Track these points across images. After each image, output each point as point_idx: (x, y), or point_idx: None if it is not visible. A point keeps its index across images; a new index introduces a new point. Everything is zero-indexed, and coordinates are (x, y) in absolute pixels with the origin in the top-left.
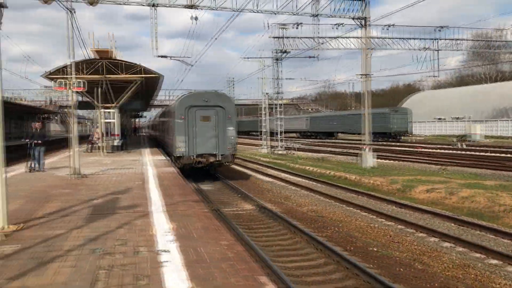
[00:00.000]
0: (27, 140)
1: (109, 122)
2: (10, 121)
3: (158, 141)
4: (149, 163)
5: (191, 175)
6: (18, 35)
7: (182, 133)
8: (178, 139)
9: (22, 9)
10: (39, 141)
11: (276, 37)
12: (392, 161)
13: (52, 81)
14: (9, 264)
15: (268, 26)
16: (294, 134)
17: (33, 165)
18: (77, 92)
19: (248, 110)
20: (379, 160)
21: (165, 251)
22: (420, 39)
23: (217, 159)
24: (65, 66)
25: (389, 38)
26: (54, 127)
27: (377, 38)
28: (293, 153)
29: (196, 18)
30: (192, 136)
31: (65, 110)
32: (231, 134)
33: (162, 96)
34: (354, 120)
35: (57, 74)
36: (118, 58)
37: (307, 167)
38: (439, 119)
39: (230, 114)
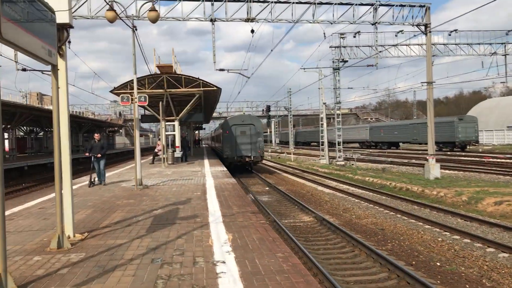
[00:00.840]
0: (86, 154)
1: (171, 134)
2: (78, 134)
3: (216, 151)
4: (209, 174)
5: (248, 185)
6: (87, 52)
7: (228, 142)
8: (225, 145)
9: (90, 27)
10: (98, 154)
11: (335, 47)
12: (457, 172)
13: (120, 96)
14: (75, 271)
15: (325, 36)
16: (354, 145)
17: (92, 179)
18: (140, 106)
19: (307, 121)
20: (444, 170)
21: (221, 262)
22: (487, 44)
23: (251, 159)
24: (130, 81)
25: (453, 44)
26: (121, 140)
27: (440, 44)
28: (353, 164)
29: (252, 31)
30: (235, 144)
31: (130, 123)
32: (259, 142)
33: (222, 108)
34: (418, 129)
35: (123, 89)
36: (178, 72)
37: (367, 178)
38: (510, 127)
39: (258, 129)
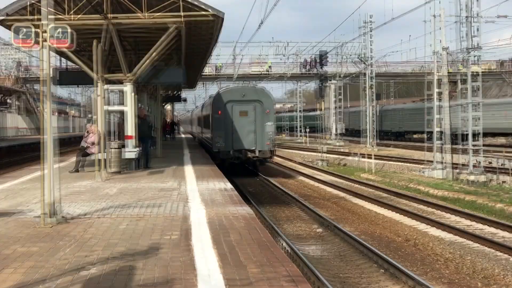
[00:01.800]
0: None
1: (117, 111)
2: None
3: (203, 143)
4: (195, 196)
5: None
6: None
7: (219, 127)
8: (216, 133)
9: None
10: None
11: None
12: None
13: (12, 29)
14: None
15: None
16: (502, 139)
17: None
18: (57, 51)
19: (403, 89)
20: None
21: None
22: None
23: (256, 155)
24: None
25: None
26: (13, 121)
27: None
28: (504, 182)
29: None
30: (230, 132)
31: (34, 87)
32: (269, 129)
33: (224, 56)
34: None
35: (20, 15)
36: None
37: None
38: None
39: (268, 109)
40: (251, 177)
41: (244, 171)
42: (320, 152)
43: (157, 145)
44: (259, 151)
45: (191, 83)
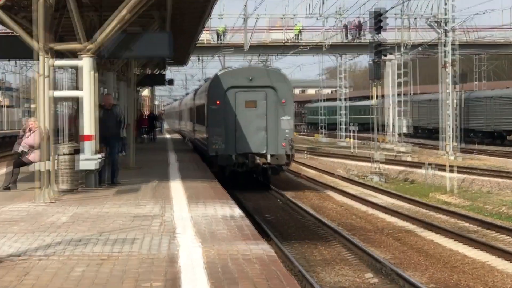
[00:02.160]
0: None
1: (68, 98)
2: None
3: (196, 145)
4: (187, 225)
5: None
6: None
7: (217, 124)
8: (212, 131)
9: None
10: None
11: None
12: None
13: None
14: None
15: None
16: None
17: None
18: None
19: (502, 67)
20: None
21: None
22: None
23: (267, 161)
24: None
25: None
26: None
27: None
28: None
29: None
30: (232, 129)
31: None
32: (286, 126)
33: (234, 17)
34: None
35: None
36: None
37: None
38: None
39: (284, 98)
40: (269, 199)
41: (254, 184)
42: (374, 161)
43: (129, 150)
44: (272, 155)
45: (180, 57)
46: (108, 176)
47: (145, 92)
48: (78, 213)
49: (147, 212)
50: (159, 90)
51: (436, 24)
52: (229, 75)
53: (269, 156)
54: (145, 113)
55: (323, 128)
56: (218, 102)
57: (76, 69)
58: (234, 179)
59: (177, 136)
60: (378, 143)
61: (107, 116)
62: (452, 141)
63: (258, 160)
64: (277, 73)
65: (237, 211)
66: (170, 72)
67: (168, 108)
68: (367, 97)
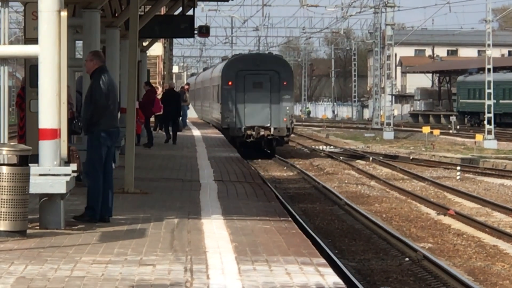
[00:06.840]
0: None
1: (19, 62)
2: None
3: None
4: None
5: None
6: None
7: (229, 101)
8: (226, 108)
9: None
10: None
11: None
12: None
13: None
14: None
15: None
16: None
17: None
18: None
19: None
20: None
21: None
22: None
23: (271, 133)
24: None
25: None
26: None
27: None
28: None
29: None
30: (242, 106)
31: None
32: (287, 104)
33: None
34: None
35: None
36: None
37: None
38: None
39: (286, 80)
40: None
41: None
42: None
43: (126, 160)
44: (275, 128)
45: None
46: (93, 205)
47: (157, 49)
48: (27, 278)
49: (158, 277)
50: (180, 47)
51: None
52: (240, 60)
53: (272, 129)
54: (159, 88)
55: (491, 122)
56: (230, 83)
57: (25, 7)
58: (245, 148)
59: (208, 132)
60: None
61: (100, 94)
62: None
63: (263, 132)
64: (280, 59)
65: (331, 280)
66: (203, 14)
67: (196, 82)
68: None
